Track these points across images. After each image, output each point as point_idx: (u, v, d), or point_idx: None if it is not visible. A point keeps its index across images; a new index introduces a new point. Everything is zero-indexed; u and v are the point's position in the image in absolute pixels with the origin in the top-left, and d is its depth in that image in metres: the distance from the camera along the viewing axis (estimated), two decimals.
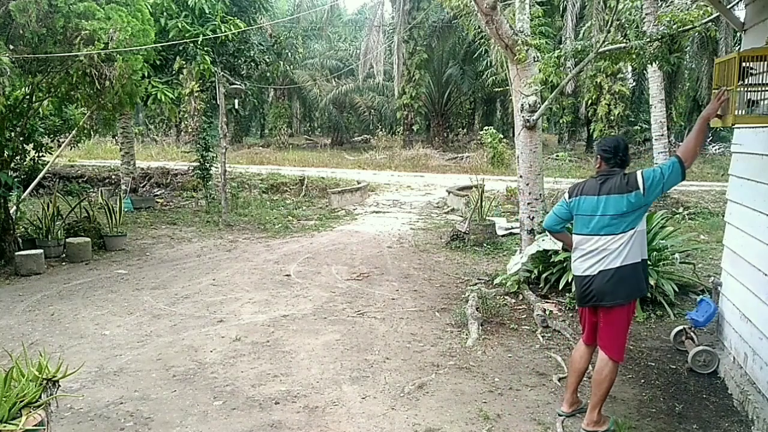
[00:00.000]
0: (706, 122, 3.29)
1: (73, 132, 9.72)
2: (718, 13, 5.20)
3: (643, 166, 19.78)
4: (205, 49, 11.33)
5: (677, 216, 10.54)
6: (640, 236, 3.30)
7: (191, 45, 11.17)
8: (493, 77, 22.12)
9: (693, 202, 11.96)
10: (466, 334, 5.04)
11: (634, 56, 5.62)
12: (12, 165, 8.01)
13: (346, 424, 3.53)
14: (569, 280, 5.72)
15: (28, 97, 7.64)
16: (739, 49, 4.20)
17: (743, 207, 4.08)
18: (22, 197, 8.54)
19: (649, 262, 5.48)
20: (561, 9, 20.97)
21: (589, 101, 21.19)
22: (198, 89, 11.56)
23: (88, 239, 8.21)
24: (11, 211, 7.86)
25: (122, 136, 14.54)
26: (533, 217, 6.46)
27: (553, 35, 19.74)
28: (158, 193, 15.11)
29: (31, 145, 8.70)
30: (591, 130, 23.01)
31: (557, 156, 20.77)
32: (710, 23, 6.11)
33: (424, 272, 7.39)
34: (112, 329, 5.24)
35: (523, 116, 6.33)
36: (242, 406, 3.78)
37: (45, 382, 2.96)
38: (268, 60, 15.13)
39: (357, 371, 4.32)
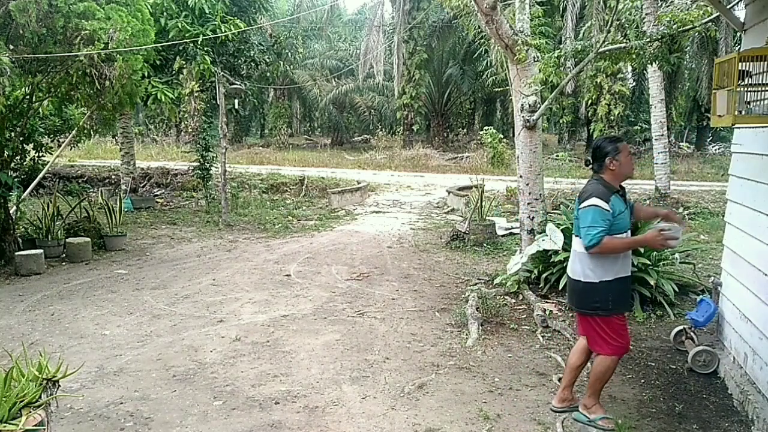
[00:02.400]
0: (640, 245, 3.53)
1: (73, 132, 9.71)
2: (718, 13, 5.20)
3: (643, 166, 19.82)
4: (205, 49, 11.34)
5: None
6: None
7: (191, 45, 11.18)
8: (493, 77, 22.13)
9: (693, 202, 11.95)
10: (466, 334, 5.04)
11: (634, 56, 5.63)
12: (12, 165, 8.01)
13: (346, 424, 3.53)
14: None
15: (28, 97, 7.64)
16: (739, 49, 4.20)
17: (743, 207, 4.08)
18: (22, 197, 8.54)
19: (648, 262, 5.53)
20: (561, 9, 20.97)
21: (589, 101, 21.20)
22: (198, 89, 11.56)
23: (88, 239, 8.21)
24: (11, 211, 7.85)
25: (122, 136, 14.54)
26: (533, 217, 6.46)
27: (553, 35, 19.74)
28: (158, 193, 15.10)
29: (31, 145, 8.69)
30: (591, 130, 23.00)
31: (557, 156, 20.77)
32: (710, 23, 6.11)
33: (424, 272, 7.39)
34: (112, 329, 5.24)
35: (523, 116, 6.32)
36: (242, 406, 3.78)
37: (45, 382, 2.96)
38: (268, 60, 15.14)
39: (357, 371, 4.32)
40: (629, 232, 3.35)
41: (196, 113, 11.87)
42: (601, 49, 5.69)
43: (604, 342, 3.35)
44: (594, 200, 3.20)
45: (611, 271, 3.28)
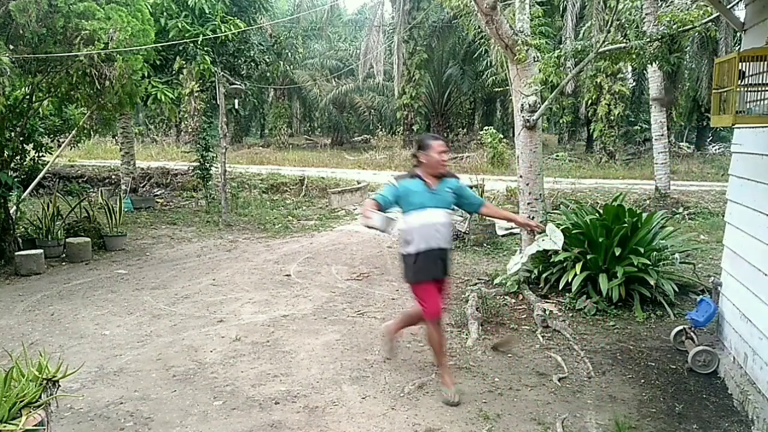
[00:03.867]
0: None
1: (73, 132, 9.71)
2: (718, 13, 5.20)
3: (643, 166, 19.84)
4: (205, 49, 11.33)
5: (677, 216, 10.53)
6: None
7: (191, 45, 11.16)
8: (493, 77, 22.11)
9: (693, 202, 11.95)
10: (466, 334, 5.04)
11: (634, 56, 5.63)
12: (12, 165, 8.00)
13: (346, 424, 3.53)
14: (569, 280, 5.73)
15: (28, 97, 7.64)
16: (739, 49, 4.20)
17: (743, 207, 4.08)
18: (22, 197, 8.54)
19: (648, 262, 5.54)
20: (561, 9, 20.96)
21: (589, 101, 21.19)
22: (198, 89, 11.55)
23: (88, 239, 8.21)
24: (11, 211, 7.85)
25: (122, 136, 14.54)
26: (533, 217, 6.45)
27: (553, 35, 19.73)
28: (158, 193, 15.10)
29: (31, 145, 8.69)
30: (591, 130, 22.99)
31: (557, 156, 20.75)
32: (710, 23, 6.11)
33: None
34: (112, 329, 5.24)
35: (523, 116, 6.32)
36: (242, 406, 3.78)
37: (45, 382, 2.96)
38: (268, 60, 15.11)
39: (357, 371, 4.32)
40: (423, 210, 3.83)
41: (196, 113, 11.87)
42: (601, 49, 5.69)
43: (423, 307, 3.94)
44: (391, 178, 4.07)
45: (410, 246, 3.86)
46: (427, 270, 3.87)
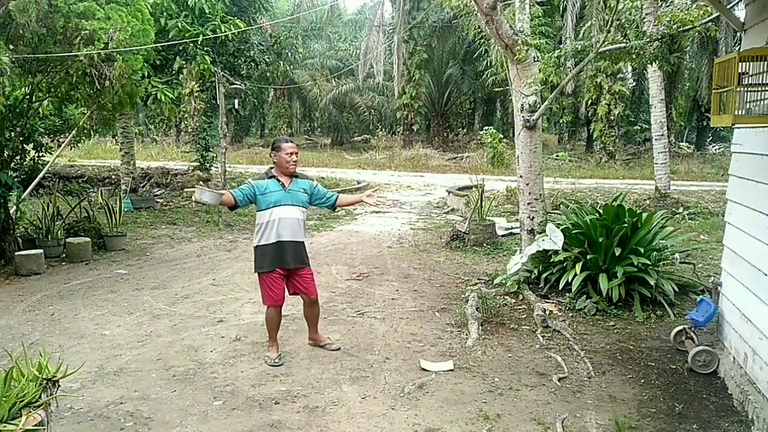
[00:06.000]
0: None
1: (73, 132, 9.70)
2: (718, 13, 5.20)
3: (643, 166, 19.84)
4: (205, 49, 11.34)
5: (677, 216, 10.54)
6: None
7: (191, 45, 11.17)
8: (493, 77, 22.13)
9: (693, 202, 11.95)
10: (466, 334, 5.04)
11: (634, 56, 5.63)
12: (12, 165, 8.00)
13: (346, 424, 3.54)
14: (569, 280, 5.73)
15: (28, 97, 7.64)
16: (739, 49, 4.20)
17: (743, 207, 4.08)
18: (22, 197, 8.53)
19: (648, 262, 5.54)
20: (561, 9, 20.96)
21: (589, 101, 21.20)
22: (198, 89, 11.56)
23: (88, 239, 8.20)
24: (11, 211, 7.85)
25: (122, 136, 14.52)
26: (533, 217, 6.46)
27: (553, 35, 19.74)
28: (158, 193, 15.09)
29: (31, 145, 8.68)
30: (591, 130, 23.00)
31: (557, 156, 20.77)
32: (710, 23, 6.11)
33: (424, 272, 7.39)
34: (112, 329, 5.24)
35: (523, 116, 6.32)
36: (242, 406, 3.78)
37: (45, 382, 2.96)
38: (268, 60, 15.12)
39: (357, 371, 4.32)
40: (279, 207, 4.26)
41: (196, 113, 11.87)
42: (601, 49, 5.69)
43: (263, 296, 4.45)
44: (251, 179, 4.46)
45: (261, 239, 4.30)
46: (271, 261, 4.28)
